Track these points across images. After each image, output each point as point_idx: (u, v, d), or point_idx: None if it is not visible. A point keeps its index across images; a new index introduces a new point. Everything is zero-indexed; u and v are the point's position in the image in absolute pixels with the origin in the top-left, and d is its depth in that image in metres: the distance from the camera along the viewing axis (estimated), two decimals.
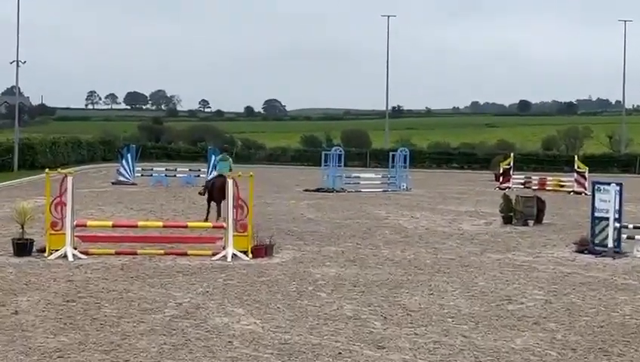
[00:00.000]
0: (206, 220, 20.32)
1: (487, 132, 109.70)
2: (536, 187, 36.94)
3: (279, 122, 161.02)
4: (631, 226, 16.96)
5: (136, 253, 15.13)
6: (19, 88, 51.46)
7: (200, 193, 22.67)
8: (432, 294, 12.01)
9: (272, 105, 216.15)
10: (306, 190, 34.28)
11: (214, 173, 24.26)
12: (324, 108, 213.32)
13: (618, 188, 16.49)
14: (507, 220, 22.18)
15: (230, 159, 23.33)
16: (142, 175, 37.46)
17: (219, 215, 20.44)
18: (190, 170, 40.05)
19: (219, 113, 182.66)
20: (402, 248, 17.01)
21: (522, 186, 37.64)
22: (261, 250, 15.29)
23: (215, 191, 20.96)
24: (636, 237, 16.54)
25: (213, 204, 21.21)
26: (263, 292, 11.93)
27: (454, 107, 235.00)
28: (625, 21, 75.49)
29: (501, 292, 12.28)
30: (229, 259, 14.78)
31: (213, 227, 16.48)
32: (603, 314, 10.84)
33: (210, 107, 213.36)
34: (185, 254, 15.24)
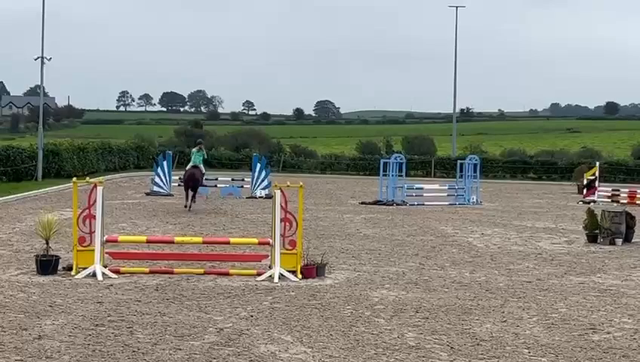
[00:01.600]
0: (185, 206, 28.46)
1: (569, 138, 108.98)
2: (625, 201, 36.55)
3: (332, 126, 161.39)
4: None
5: (172, 272, 15.26)
6: (43, 88, 52.01)
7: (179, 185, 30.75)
8: (505, 321, 11.93)
9: (324, 108, 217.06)
10: (363, 203, 34.30)
11: (190, 164, 30.42)
12: (383, 111, 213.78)
13: None
14: (592, 238, 21.97)
15: (204, 152, 31.52)
16: (179, 184, 37.66)
17: (192, 201, 28.81)
18: (233, 179, 40.33)
19: (265, 116, 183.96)
20: (471, 269, 16.93)
21: (609, 200, 37.24)
22: (312, 270, 15.32)
23: (188, 180, 29.02)
24: None
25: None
26: (314, 317, 11.96)
27: (531, 109, 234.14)
28: None
29: (585, 320, 12.17)
30: (276, 279, 14.84)
31: (259, 243, 16.56)
32: None
33: (255, 109, 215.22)
34: (227, 274, 15.33)
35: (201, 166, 30.63)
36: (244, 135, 77.91)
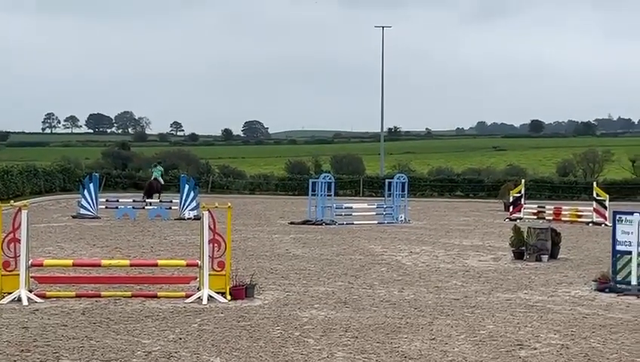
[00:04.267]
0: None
1: (495, 156, 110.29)
2: (550, 217, 37.06)
3: (261, 146, 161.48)
4: None
5: (99, 296, 15.08)
6: None
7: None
8: (433, 339, 12.00)
9: (252, 128, 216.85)
10: (292, 223, 34.30)
11: (152, 178, 44.03)
12: (311, 131, 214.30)
13: None
14: (518, 255, 22.23)
15: (161, 168, 45.74)
16: (106, 207, 37.34)
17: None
18: (161, 201, 40.00)
19: (193, 137, 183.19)
20: (400, 287, 17.01)
21: (535, 217, 37.72)
22: (241, 291, 15.26)
23: (150, 189, 42.19)
24: None
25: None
26: (244, 338, 11.90)
27: (458, 128, 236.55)
28: None
29: (512, 336, 12.29)
30: (205, 301, 14.75)
31: (187, 265, 16.44)
32: (626, 360, 10.86)
33: (183, 130, 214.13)
34: (155, 296, 15.20)
35: (160, 178, 44.51)
36: (172, 156, 77.42)
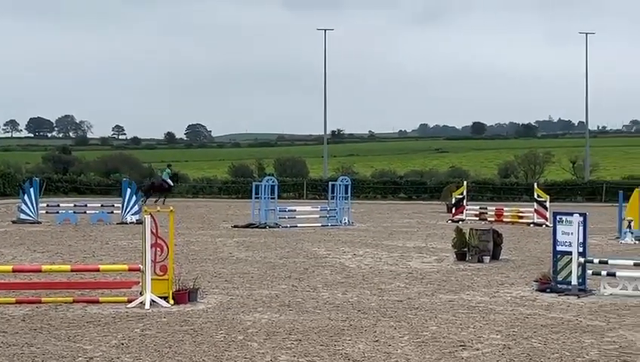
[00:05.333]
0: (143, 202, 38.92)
1: (437, 158, 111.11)
2: (492, 219, 37.38)
3: (204, 150, 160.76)
4: (596, 261, 17.22)
5: (40, 302, 14.90)
6: None
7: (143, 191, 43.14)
8: (377, 341, 12.03)
9: (195, 131, 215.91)
10: (235, 226, 34.21)
11: (161, 180, 49.93)
12: (255, 134, 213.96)
13: (582, 218, 16.72)
14: (460, 256, 22.37)
15: (170, 171, 51.32)
16: (47, 212, 36.96)
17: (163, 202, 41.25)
18: (102, 205, 39.69)
19: (135, 140, 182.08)
20: (344, 290, 17.03)
21: (477, 218, 38.01)
22: (184, 295, 15.18)
23: (151, 188, 48.18)
24: (602, 272, 16.80)
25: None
26: (186, 343, 11.83)
27: (401, 131, 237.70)
28: (586, 34, 77.46)
29: (454, 337, 12.35)
30: (147, 306, 14.64)
31: (130, 270, 16.30)
32: (567, 360, 10.96)
33: (125, 134, 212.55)
34: (96, 301, 15.05)
35: (168, 180, 51.13)
36: (114, 160, 76.93)
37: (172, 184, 52.04)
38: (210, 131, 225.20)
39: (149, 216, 15.23)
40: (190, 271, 18.89)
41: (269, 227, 33.41)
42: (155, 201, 49.58)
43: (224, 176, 74.02)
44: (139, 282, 15.57)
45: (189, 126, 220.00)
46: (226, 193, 65.28)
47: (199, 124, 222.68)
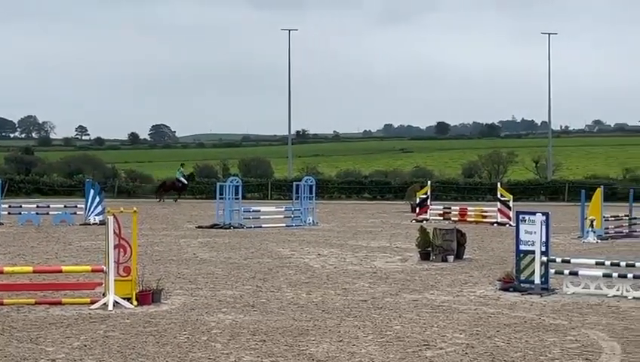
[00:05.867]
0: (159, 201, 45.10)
1: (402, 158, 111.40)
2: (456, 218, 37.54)
3: (169, 150, 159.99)
4: (559, 260, 17.36)
5: (2, 303, 14.77)
6: None
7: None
8: (341, 341, 12.04)
9: (160, 132, 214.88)
10: (199, 227, 34.11)
11: (174, 179, 53.28)
12: (219, 134, 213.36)
13: (544, 218, 16.84)
14: (425, 256, 22.45)
15: (183, 170, 53.92)
16: (9, 213, 36.65)
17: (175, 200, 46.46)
18: (65, 206, 39.38)
19: (99, 141, 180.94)
20: (308, 290, 17.04)
21: (441, 218, 38.15)
22: (147, 296, 15.11)
23: (161, 187, 53.26)
24: (565, 271, 16.93)
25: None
26: (150, 344, 11.78)
27: (365, 131, 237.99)
28: (549, 34, 77.95)
29: (418, 336, 12.39)
30: (110, 307, 14.56)
31: (93, 271, 16.20)
32: (530, 358, 11.03)
33: (88, 134, 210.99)
34: (59, 303, 14.95)
35: (182, 178, 54.91)
36: (77, 161, 76.46)
37: (186, 183, 54.71)
38: (175, 132, 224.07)
39: (113, 216, 15.15)
40: (154, 272, 18.80)
41: (234, 227, 33.33)
42: (175, 200, 55.13)
43: None
44: (102, 283, 15.48)
45: (152, 126, 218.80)
46: (191, 194, 65.06)
47: (163, 125, 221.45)
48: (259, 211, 37.06)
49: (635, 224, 31.69)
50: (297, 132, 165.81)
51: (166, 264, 21.15)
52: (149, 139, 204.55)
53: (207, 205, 48.25)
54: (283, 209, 37.94)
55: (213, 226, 33.86)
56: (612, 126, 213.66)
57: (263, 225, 34.50)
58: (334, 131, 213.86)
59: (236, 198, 35.07)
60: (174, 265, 21.12)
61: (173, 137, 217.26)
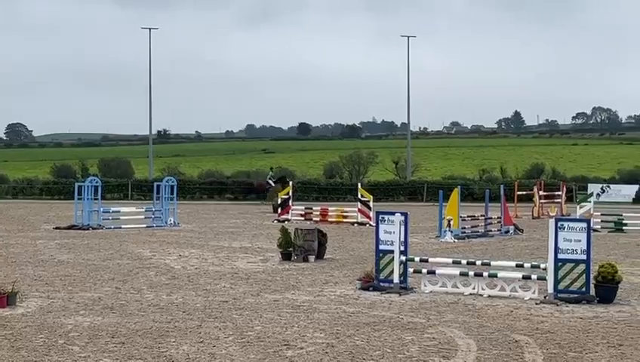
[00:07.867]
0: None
1: (264, 158, 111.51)
2: (317, 218, 37.80)
3: (25, 150, 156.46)
4: (417, 259, 17.67)
5: None
6: None
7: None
8: (201, 342, 11.98)
9: (16, 131, 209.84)
10: (57, 228, 33.46)
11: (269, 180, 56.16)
12: (78, 133, 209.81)
13: (403, 218, 17.11)
14: (286, 256, 22.55)
15: (272, 172, 58.00)
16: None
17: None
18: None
19: None
20: (169, 291, 16.90)
21: (302, 218, 38.36)
22: (2, 300, 14.73)
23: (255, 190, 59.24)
24: (423, 271, 17.25)
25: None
26: (4, 348, 11.49)
27: (227, 131, 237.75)
28: (408, 37, 79.27)
29: (279, 336, 12.43)
30: None
31: None
32: (389, 357, 11.19)
33: None
34: None
35: (269, 181, 56.58)
36: None
37: (272, 185, 55.15)
38: (32, 131, 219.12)
39: None
40: (9, 274, 18.36)
41: (92, 228, 32.81)
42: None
43: (46, 176, 72.21)
44: None
45: (8, 125, 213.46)
46: (48, 194, 63.75)
47: (19, 124, 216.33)
48: (119, 212, 36.58)
49: (490, 224, 32.51)
50: (159, 132, 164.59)
51: (22, 266, 20.66)
52: (4, 138, 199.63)
53: (66, 206, 47.35)
54: (143, 209, 37.54)
55: (71, 227, 33.26)
56: (469, 128, 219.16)
57: (123, 226, 34.06)
58: (196, 131, 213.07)
59: (95, 199, 34.52)
60: (31, 267, 20.65)
61: (30, 136, 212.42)
